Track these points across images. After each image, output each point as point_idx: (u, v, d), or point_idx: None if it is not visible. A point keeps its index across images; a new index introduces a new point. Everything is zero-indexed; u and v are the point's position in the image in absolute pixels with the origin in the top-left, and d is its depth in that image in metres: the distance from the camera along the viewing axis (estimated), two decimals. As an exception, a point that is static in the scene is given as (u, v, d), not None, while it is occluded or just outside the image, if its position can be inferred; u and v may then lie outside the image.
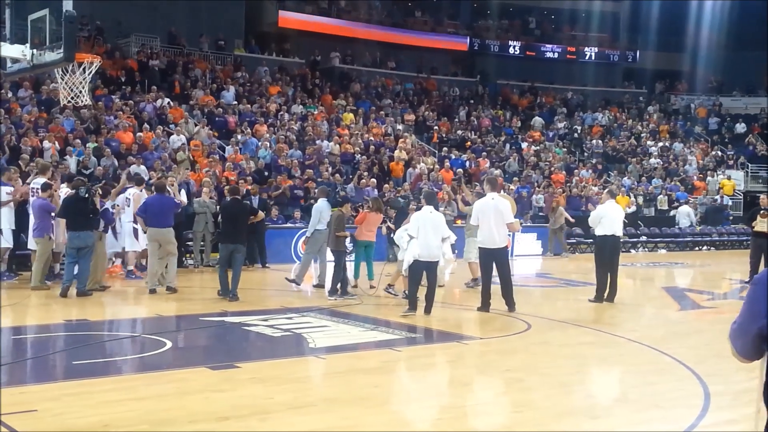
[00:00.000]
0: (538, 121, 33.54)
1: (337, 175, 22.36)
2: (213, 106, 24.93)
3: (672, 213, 28.47)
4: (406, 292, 12.72)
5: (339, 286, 12.70)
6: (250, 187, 18.12)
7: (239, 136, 22.86)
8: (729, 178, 31.45)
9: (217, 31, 31.29)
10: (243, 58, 30.82)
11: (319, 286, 13.88)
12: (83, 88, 11.21)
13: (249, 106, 25.72)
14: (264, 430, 5.64)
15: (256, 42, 32.87)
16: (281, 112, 26.13)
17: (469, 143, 28.92)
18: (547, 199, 25.10)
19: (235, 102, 25.91)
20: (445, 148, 27.55)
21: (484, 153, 28.11)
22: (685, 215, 27.32)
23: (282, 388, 6.85)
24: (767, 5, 34.59)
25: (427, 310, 11.00)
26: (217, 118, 24.20)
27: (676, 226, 27.30)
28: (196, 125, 22.92)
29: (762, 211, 15.88)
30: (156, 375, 7.50)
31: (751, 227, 16.08)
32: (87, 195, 12.29)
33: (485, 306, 11.49)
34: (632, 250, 25.08)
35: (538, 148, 30.53)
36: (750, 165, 33.74)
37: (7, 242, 13.56)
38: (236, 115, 24.75)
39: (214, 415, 5.91)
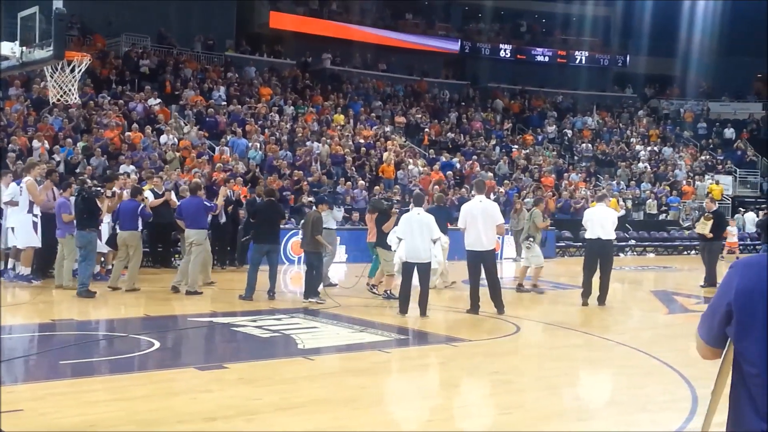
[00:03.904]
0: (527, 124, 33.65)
1: (325, 177, 22.37)
2: (203, 106, 24.87)
3: (661, 216, 28.60)
4: (387, 291, 12.77)
5: (321, 287, 12.72)
6: (238, 188, 18.08)
7: (229, 137, 22.82)
8: (717, 182, 31.58)
9: (208, 31, 31.23)
10: (233, 59, 30.78)
11: (330, 285, 13.90)
12: (72, 86, 11.15)
13: (239, 106, 25.68)
14: (251, 430, 5.62)
15: (247, 42, 32.82)
16: (271, 113, 26.10)
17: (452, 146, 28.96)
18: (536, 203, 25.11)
19: (225, 102, 25.87)
20: (432, 150, 27.58)
21: (475, 156, 28.14)
22: (751, 221, 27.40)
23: (270, 389, 6.83)
24: (757, 11, 34.85)
25: (422, 312, 10.99)
26: (207, 119, 24.14)
27: (741, 231, 27.00)
28: (185, 125, 22.87)
29: (706, 214, 16.34)
30: (143, 375, 7.46)
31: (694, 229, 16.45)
32: (87, 195, 12.33)
33: (474, 308, 11.50)
34: (621, 254, 25.14)
35: (528, 151, 30.60)
36: (738, 170, 33.92)
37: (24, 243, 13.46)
38: (226, 116, 24.70)
39: (202, 415, 5.89)
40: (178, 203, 14.86)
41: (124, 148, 20.06)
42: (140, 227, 13.48)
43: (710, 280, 15.80)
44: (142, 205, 13.45)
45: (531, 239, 14.62)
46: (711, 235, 15.83)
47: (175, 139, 21.50)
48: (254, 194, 17.66)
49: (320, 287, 12.68)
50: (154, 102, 23.63)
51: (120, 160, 19.11)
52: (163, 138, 21.33)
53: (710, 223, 15.89)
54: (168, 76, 26.50)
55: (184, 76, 26.98)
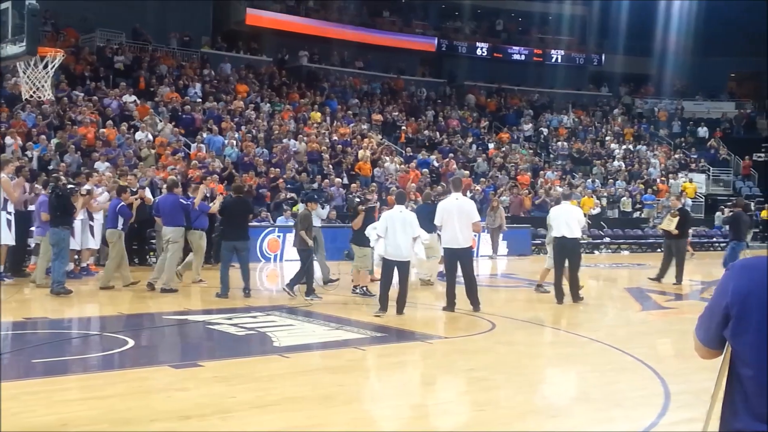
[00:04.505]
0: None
1: (304, 174, 22.33)
2: (179, 103, 24.72)
3: (636, 214, 28.84)
4: (363, 288, 12.79)
5: (319, 283, 12.75)
6: (214, 186, 17.99)
7: (205, 134, 22.70)
8: (691, 181, 31.94)
9: (184, 27, 31.02)
10: (210, 56, 30.59)
11: (329, 281, 13.89)
12: (46, 82, 11.04)
13: (215, 103, 25.54)
14: (226, 429, 5.60)
15: (223, 39, 32.64)
16: (248, 111, 25.99)
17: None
18: (512, 200, 25.28)
19: (201, 99, 25.73)
20: (408, 148, 27.62)
21: (451, 154, 28.21)
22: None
23: (245, 387, 6.81)
24: (731, 11, 35.28)
25: (399, 310, 11.00)
26: (182, 116, 24.00)
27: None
28: (160, 122, 22.72)
29: (672, 211, 16.51)
30: (117, 374, 7.41)
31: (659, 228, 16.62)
32: (62, 192, 12.21)
33: (450, 306, 11.53)
34: (596, 251, 25.33)
35: (504, 149, 30.73)
36: (711, 168, 34.28)
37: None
38: (202, 113, 24.57)
39: (176, 414, 5.85)
40: (153, 200, 14.79)
41: (98, 144, 19.90)
42: (120, 226, 13.34)
43: (679, 278, 15.98)
44: (121, 203, 13.38)
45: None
46: (677, 231, 16.03)
47: (151, 136, 21.35)
48: (230, 191, 17.59)
49: (297, 285, 12.65)
50: (129, 98, 23.44)
51: (94, 157, 18.94)
52: (138, 135, 21.18)
53: (676, 219, 16.09)
54: (143, 72, 26.30)
55: (159, 73, 26.79)
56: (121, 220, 13.25)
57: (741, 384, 2.31)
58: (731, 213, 16.81)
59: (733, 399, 2.36)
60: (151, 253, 17.11)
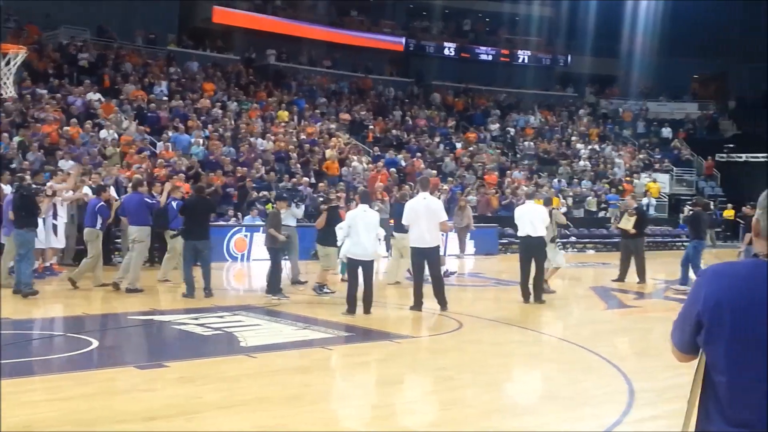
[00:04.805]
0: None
1: (272, 173, 22.23)
2: (144, 101, 24.48)
3: (601, 214, 29.12)
4: (322, 286, 12.80)
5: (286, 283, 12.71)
6: (181, 185, 17.85)
7: (171, 133, 22.50)
8: (655, 181, 32.34)
9: (150, 25, 30.70)
10: (176, 53, 30.32)
11: (297, 282, 13.83)
12: (8, 79, 10.89)
13: (182, 101, 25.34)
14: (192, 430, 5.56)
15: (189, 37, 32.37)
16: (215, 109, 25.82)
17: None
18: (480, 200, 25.39)
19: (167, 98, 25.50)
20: (376, 147, 27.64)
21: (419, 153, 28.27)
22: None
23: (211, 388, 6.77)
24: (695, 13, 35.81)
25: (366, 309, 11.01)
26: (148, 114, 23.77)
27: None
28: (125, 120, 22.48)
29: (629, 210, 16.74)
30: (81, 375, 7.32)
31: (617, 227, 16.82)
32: (26, 192, 12.03)
33: (418, 305, 11.55)
34: (561, 251, 25.51)
35: (472, 148, 30.87)
36: (675, 168, 34.76)
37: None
38: (168, 111, 24.35)
39: (141, 415, 5.80)
40: (118, 199, 14.65)
41: (62, 143, 19.62)
42: (99, 225, 13.19)
43: (642, 276, 16.21)
44: (100, 202, 13.22)
45: (558, 241, 14.93)
46: (634, 231, 16.26)
47: (116, 135, 21.12)
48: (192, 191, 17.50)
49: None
50: (93, 96, 23.16)
51: (58, 155, 18.68)
52: (102, 133, 20.94)
53: (633, 219, 16.31)
54: (108, 70, 26.00)
55: (124, 71, 26.50)
56: (100, 220, 13.11)
57: (714, 389, 2.34)
58: (691, 212, 17.08)
59: (707, 403, 2.39)
60: (116, 253, 16.92)
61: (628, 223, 16.37)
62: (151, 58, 28.75)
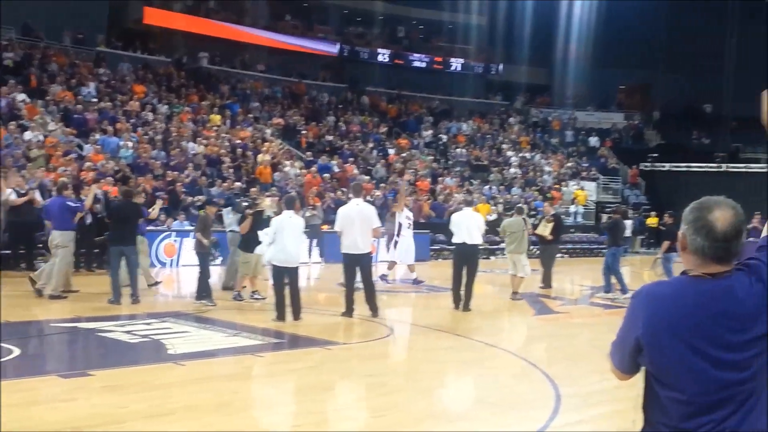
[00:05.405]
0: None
1: (203, 177, 21.95)
2: (71, 102, 23.89)
3: (530, 221, 29.53)
4: (238, 292, 12.71)
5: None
6: (109, 189, 17.47)
7: (99, 135, 22.01)
8: (582, 188, 33.08)
9: (78, 24, 29.97)
10: (106, 54, 29.66)
11: (228, 288, 13.60)
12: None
13: (110, 103, 24.81)
14: (118, 440, 5.45)
15: (119, 38, 31.71)
16: (145, 112, 25.37)
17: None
18: (413, 206, 25.52)
19: (96, 99, 24.94)
20: (309, 153, 27.56)
21: (352, 159, 28.29)
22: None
23: (138, 397, 6.64)
24: (622, 25, 36.80)
25: (296, 316, 10.94)
26: (75, 116, 23.20)
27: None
28: (51, 122, 21.90)
29: (547, 217, 17.28)
30: (2, 384, 7.09)
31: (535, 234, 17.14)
32: None
33: (349, 311, 11.54)
34: (492, 257, 25.84)
35: (405, 154, 31.04)
36: (602, 176, 35.61)
37: None
38: (96, 113, 23.81)
39: (65, 425, 5.66)
40: (42, 203, 14.24)
41: (-16, 144, 18.99)
42: (72, 225, 12.70)
43: (547, 282, 16.61)
44: (65, 201, 12.75)
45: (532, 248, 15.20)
46: (551, 237, 16.69)
47: (41, 136, 20.55)
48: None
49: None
50: (18, 97, 22.50)
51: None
52: (27, 135, 20.35)
53: (551, 225, 16.74)
54: (34, 70, 25.30)
55: (51, 71, 25.82)
56: (76, 217, 12.73)
57: (659, 400, 2.42)
58: (610, 219, 17.60)
59: (652, 414, 2.46)
60: (39, 258, 16.44)
61: (545, 230, 16.77)
62: (79, 59, 28.08)
